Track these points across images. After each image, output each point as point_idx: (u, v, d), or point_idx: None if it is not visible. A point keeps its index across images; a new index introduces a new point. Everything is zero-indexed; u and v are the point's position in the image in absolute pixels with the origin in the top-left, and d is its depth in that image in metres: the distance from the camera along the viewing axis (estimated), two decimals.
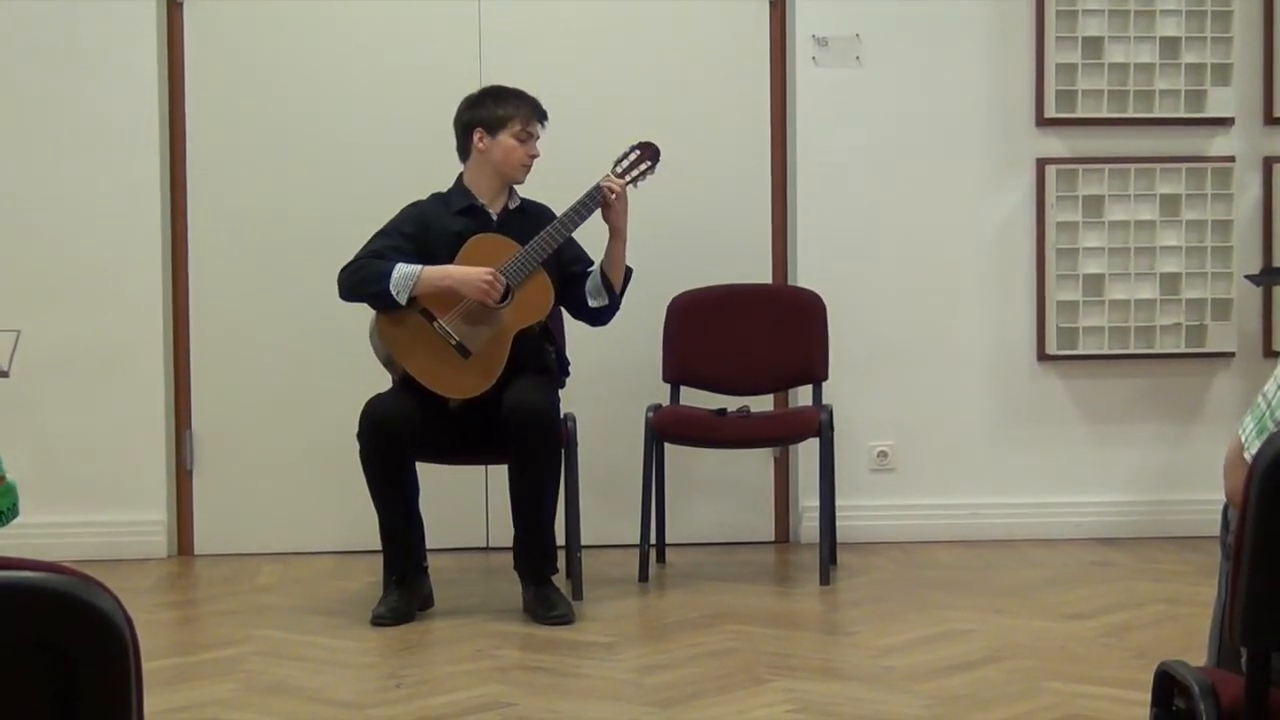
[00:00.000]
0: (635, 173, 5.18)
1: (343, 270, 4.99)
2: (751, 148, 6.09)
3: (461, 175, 5.16)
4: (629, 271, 5.19)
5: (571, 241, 5.12)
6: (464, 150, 5.13)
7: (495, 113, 5.08)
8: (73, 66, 5.81)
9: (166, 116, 5.92)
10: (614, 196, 5.04)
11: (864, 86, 6.02)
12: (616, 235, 5.11)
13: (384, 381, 5.09)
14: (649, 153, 5.21)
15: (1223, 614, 2.46)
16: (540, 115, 5.13)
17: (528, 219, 5.09)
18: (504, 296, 4.94)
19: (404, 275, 4.91)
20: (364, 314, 5.06)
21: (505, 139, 5.06)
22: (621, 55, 6.05)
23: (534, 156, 5.10)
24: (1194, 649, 3.32)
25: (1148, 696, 2.48)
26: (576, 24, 6.05)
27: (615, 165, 5.17)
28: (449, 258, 4.97)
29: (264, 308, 5.97)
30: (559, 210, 5.07)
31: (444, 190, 5.17)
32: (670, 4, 6.07)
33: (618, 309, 5.21)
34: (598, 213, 5.07)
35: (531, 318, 5.00)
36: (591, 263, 5.20)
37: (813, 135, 6.02)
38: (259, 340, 5.98)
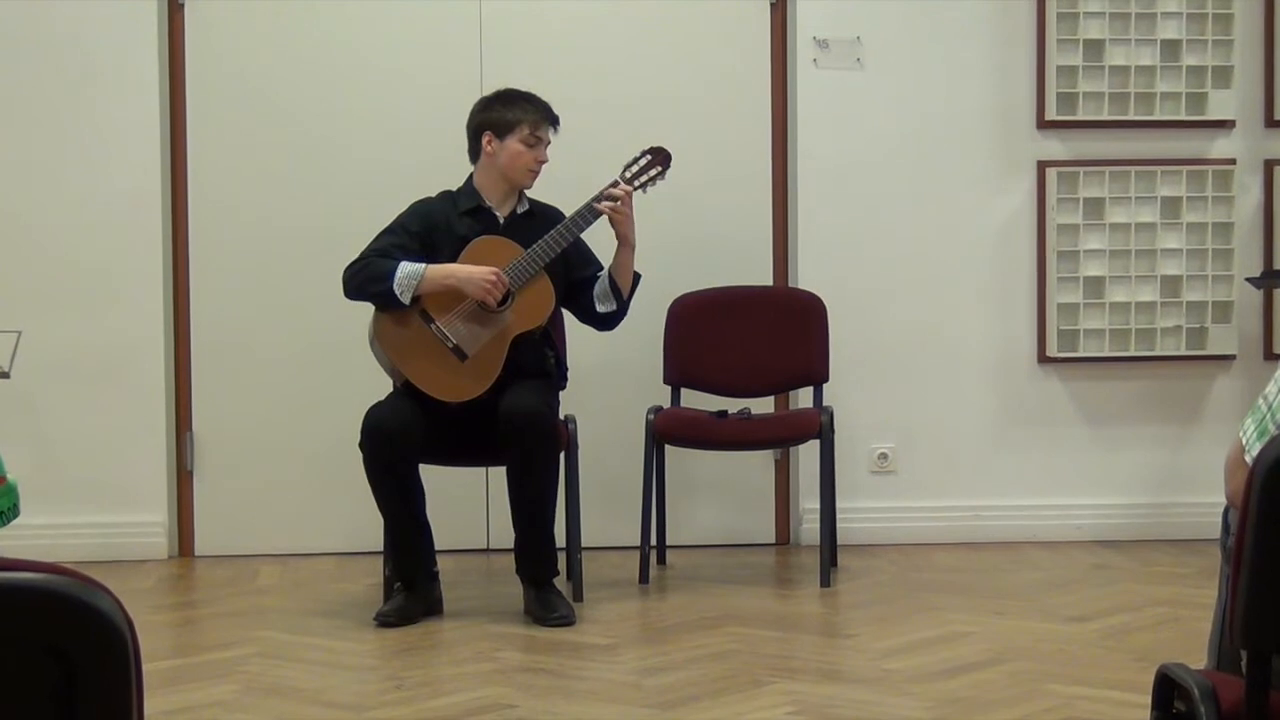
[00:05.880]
0: (645, 178, 5.15)
1: (347, 268, 4.98)
2: (752, 150, 6.09)
3: (472, 175, 5.15)
4: (637, 277, 5.18)
5: (581, 244, 5.11)
6: (474, 152, 5.12)
7: (505, 116, 5.05)
8: (74, 69, 5.81)
9: (167, 119, 5.92)
10: (615, 206, 5.03)
11: (865, 89, 6.02)
12: (624, 243, 5.08)
13: (384, 383, 5.09)
14: (660, 158, 5.18)
15: (1223, 617, 2.47)
16: (551, 120, 5.09)
17: (535, 223, 5.08)
18: (504, 300, 4.94)
19: (408, 274, 4.90)
20: (363, 316, 5.06)
21: (513, 143, 5.04)
22: (622, 57, 6.05)
23: (542, 162, 5.07)
24: (1194, 652, 3.32)
25: (1148, 699, 2.48)
26: (577, 26, 6.05)
27: (625, 170, 5.14)
28: (452, 258, 4.96)
29: (265, 310, 5.97)
30: (569, 211, 5.06)
31: (454, 188, 5.16)
32: (671, 6, 6.07)
33: (625, 314, 5.21)
34: (606, 217, 5.06)
35: (531, 322, 5.00)
36: (601, 267, 5.18)
37: (813, 137, 6.02)
38: (259, 342, 5.98)
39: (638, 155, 5.18)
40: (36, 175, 5.82)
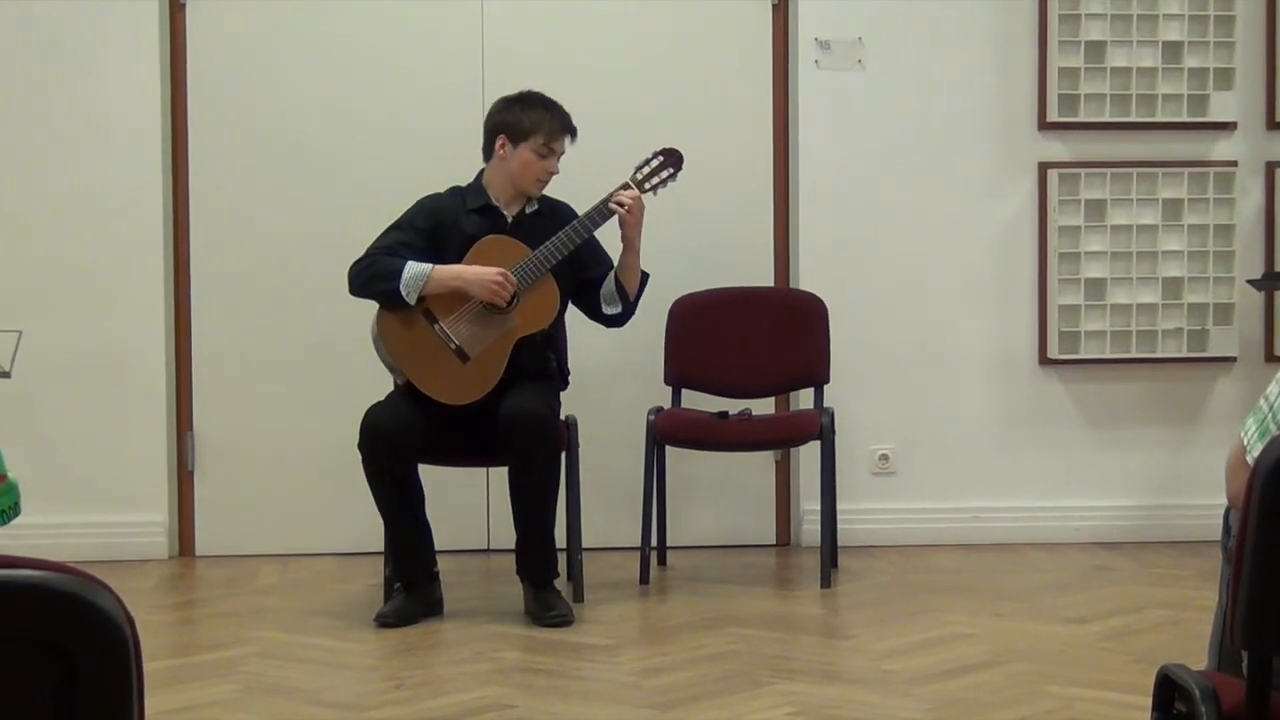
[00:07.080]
0: (656, 180, 5.12)
1: (354, 265, 4.97)
2: (753, 150, 6.09)
3: (482, 172, 5.13)
4: (645, 277, 5.17)
5: (591, 243, 5.09)
6: (487, 151, 5.10)
7: (521, 122, 5.01)
8: (74, 69, 5.81)
9: (168, 119, 5.92)
10: (625, 210, 5.01)
11: (866, 89, 6.02)
12: (628, 246, 5.06)
13: (384, 384, 5.08)
14: (672, 160, 5.15)
15: (1224, 618, 2.46)
16: (568, 131, 5.05)
17: (545, 221, 5.05)
18: (510, 301, 4.93)
19: (414, 275, 4.89)
20: (364, 316, 5.06)
21: (525, 151, 5.01)
22: (623, 58, 6.04)
23: (552, 173, 5.04)
24: (1195, 653, 3.31)
25: (1148, 700, 2.48)
26: (578, 27, 6.05)
27: (636, 171, 5.12)
28: (458, 257, 4.95)
29: (265, 310, 5.97)
30: (580, 208, 5.04)
31: (463, 184, 5.15)
32: (672, 7, 6.07)
33: (633, 314, 5.20)
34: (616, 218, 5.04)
35: (535, 325, 4.98)
36: (613, 265, 5.17)
37: (815, 138, 6.02)
38: (260, 342, 5.97)
39: (649, 156, 5.15)
40: (37, 175, 5.82)
